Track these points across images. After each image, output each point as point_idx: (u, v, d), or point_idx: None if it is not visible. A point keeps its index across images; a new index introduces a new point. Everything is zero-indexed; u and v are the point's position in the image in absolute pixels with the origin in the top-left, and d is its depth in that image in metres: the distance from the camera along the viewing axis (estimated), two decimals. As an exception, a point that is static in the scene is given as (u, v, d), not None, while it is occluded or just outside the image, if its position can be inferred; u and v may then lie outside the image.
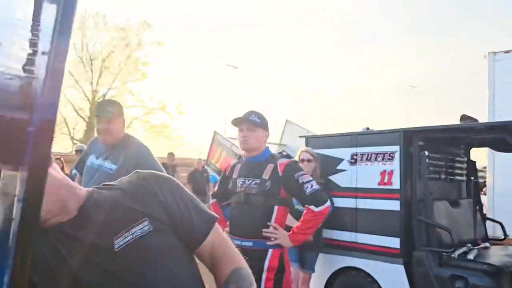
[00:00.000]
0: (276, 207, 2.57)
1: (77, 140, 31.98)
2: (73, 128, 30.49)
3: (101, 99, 33.50)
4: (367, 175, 3.82)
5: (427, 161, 3.69)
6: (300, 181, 2.53)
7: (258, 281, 2.35)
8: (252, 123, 2.65)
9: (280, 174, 2.56)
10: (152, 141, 33.84)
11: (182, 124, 35.32)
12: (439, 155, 3.96)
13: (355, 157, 3.92)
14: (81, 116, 32.22)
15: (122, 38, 34.41)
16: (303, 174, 2.59)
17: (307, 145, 4.30)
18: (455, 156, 4.21)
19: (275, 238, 2.52)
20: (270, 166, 2.60)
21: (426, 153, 3.70)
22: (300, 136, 4.44)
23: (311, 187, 2.53)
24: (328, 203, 2.57)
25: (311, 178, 2.61)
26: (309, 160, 3.90)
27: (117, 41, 34.38)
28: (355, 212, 3.87)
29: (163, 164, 9.25)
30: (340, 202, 3.95)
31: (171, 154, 9.81)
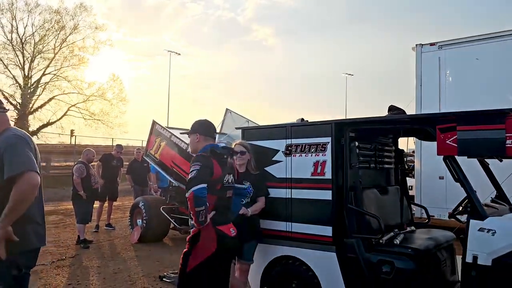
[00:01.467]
0: None
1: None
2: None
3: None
4: (301, 166, 3.90)
5: (357, 151, 3.83)
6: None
7: None
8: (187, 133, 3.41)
9: None
10: (92, 129, 32.59)
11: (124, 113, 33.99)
12: (368, 145, 4.12)
13: (289, 148, 3.98)
14: (11, 103, 30.16)
15: (56, 21, 32.51)
16: (193, 165, 2.97)
17: (243, 136, 4.31)
18: (383, 146, 4.40)
19: None
20: None
21: (356, 143, 3.83)
22: (236, 128, 4.43)
23: (189, 176, 2.93)
24: (192, 189, 2.86)
25: (194, 168, 2.95)
26: (242, 153, 3.91)
27: (51, 24, 32.42)
28: (289, 202, 3.95)
29: (110, 155, 8.93)
30: (276, 193, 4.01)
31: (119, 146, 9.42)
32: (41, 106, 32.13)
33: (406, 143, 12.54)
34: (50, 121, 32.18)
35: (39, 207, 2.52)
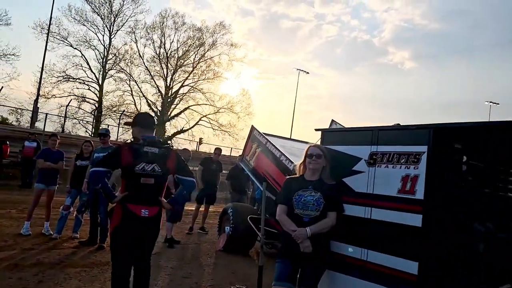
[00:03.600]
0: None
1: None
2: (144, 121, 31.53)
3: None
4: (386, 179, 3.10)
5: (464, 167, 2.89)
6: None
7: None
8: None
9: None
10: (219, 139, 34.34)
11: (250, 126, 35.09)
12: (482, 160, 3.11)
13: (374, 156, 3.21)
14: (153, 110, 33.44)
15: (197, 38, 35.31)
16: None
17: (322, 139, 3.66)
18: (508, 165, 3.31)
19: None
20: None
21: (464, 158, 2.90)
22: (316, 130, 3.79)
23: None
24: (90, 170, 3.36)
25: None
26: (318, 156, 3.27)
27: (193, 40, 35.33)
28: (368, 224, 3.16)
29: (209, 159, 8.97)
30: (352, 210, 3.26)
31: (217, 149, 9.45)
32: (177, 115, 35.05)
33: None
34: (183, 129, 34.83)
35: None
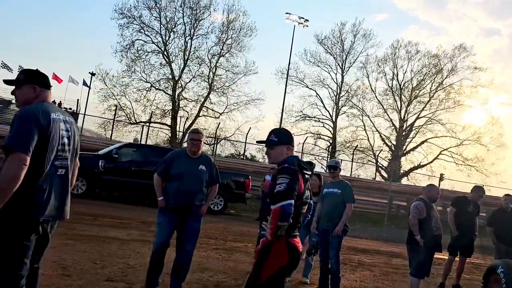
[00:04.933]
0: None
1: (382, 168, 31.91)
2: (378, 156, 30.43)
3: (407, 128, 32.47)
4: None
5: None
6: (276, 182, 2.74)
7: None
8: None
9: (275, 176, 2.85)
10: (464, 175, 30.09)
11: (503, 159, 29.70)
12: None
13: None
14: (387, 145, 32.04)
15: (433, 65, 32.54)
16: (281, 177, 2.74)
17: None
18: None
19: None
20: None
21: None
22: None
23: (278, 188, 2.70)
24: (282, 203, 2.65)
25: (284, 181, 2.71)
26: None
27: (428, 68, 32.73)
28: None
29: (465, 199, 7.13)
30: None
31: (478, 189, 7.46)
32: (413, 149, 32.59)
33: None
34: (421, 164, 32.02)
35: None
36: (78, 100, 23.76)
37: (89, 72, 29.19)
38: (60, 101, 28.16)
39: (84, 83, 29.17)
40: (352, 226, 5.65)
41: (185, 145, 12.61)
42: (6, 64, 27.15)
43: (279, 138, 3.02)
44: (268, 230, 2.72)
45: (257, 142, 3.71)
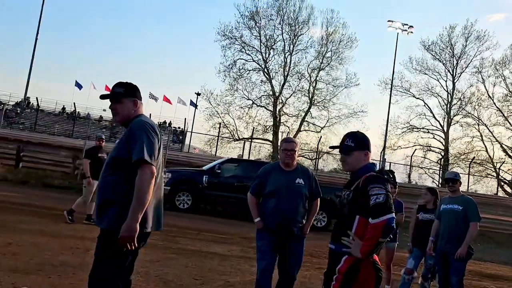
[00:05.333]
0: (357, 217, 2.53)
1: (505, 182, 28.49)
2: (499, 168, 27.18)
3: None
4: None
5: None
6: (369, 193, 2.48)
7: (331, 280, 2.54)
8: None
9: (360, 185, 2.57)
10: None
11: None
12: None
13: None
14: (509, 156, 28.53)
15: None
16: (375, 187, 2.49)
17: None
18: None
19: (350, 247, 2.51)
20: (359, 180, 2.62)
21: None
22: None
23: (375, 199, 2.45)
24: (386, 217, 2.38)
25: (380, 191, 2.46)
26: None
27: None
28: None
29: None
30: None
31: None
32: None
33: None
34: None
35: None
36: (185, 119, 25.17)
37: (195, 93, 30.95)
38: (170, 121, 30.18)
39: (192, 103, 30.96)
40: (473, 246, 4.84)
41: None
42: (153, 95, 30.54)
43: (356, 142, 2.70)
44: (361, 247, 2.42)
45: (330, 147, 3.40)
